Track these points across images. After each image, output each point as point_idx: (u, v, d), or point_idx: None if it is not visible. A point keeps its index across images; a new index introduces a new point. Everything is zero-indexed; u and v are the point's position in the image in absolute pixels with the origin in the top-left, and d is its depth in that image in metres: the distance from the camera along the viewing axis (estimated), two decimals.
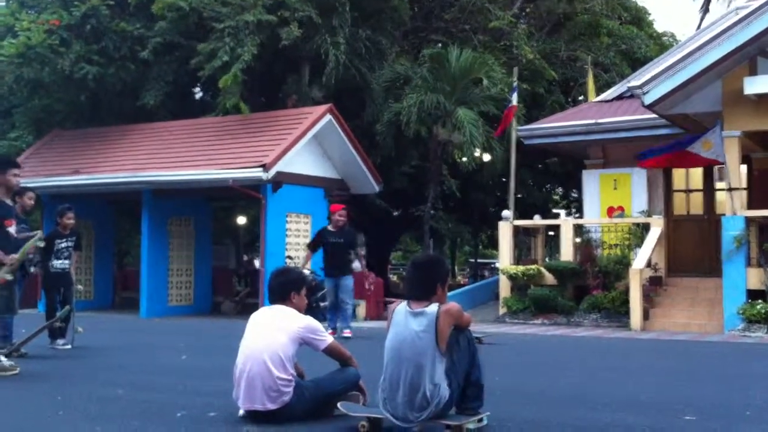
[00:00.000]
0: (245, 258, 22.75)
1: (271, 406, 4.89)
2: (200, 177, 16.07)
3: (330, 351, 5.18)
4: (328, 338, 5.17)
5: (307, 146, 16.67)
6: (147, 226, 17.35)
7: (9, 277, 7.12)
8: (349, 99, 19.74)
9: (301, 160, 16.63)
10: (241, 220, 21.96)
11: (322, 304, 13.43)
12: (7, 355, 7.31)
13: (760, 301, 12.70)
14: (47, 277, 9.80)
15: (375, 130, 19.18)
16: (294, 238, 16.66)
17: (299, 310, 5.23)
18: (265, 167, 15.34)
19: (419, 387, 4.54)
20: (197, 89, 22.06)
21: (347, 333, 11.24)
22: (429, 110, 18.62)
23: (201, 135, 17.76)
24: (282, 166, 15.84)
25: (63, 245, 9.73)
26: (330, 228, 11.77)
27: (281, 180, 16.00)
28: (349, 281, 11.54)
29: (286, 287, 5.25)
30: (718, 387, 7.17)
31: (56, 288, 9.74)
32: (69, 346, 9.36)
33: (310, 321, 5.17)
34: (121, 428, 4.80)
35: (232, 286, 19.22)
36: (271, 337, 4.99)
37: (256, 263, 18.89)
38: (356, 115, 19.58)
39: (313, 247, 12.17)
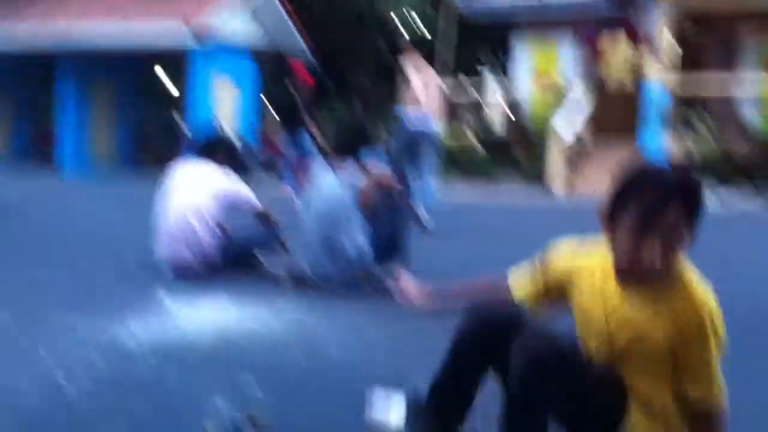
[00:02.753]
0: (171, 119, 22.14)
1: (193, 261, 4.92)
2: (123, 37, 15.39)
3: (258, 215, 5.20)
4: (257, 204, 5.18)
5: (236, 10, 16.06)
6: (66, 87, 16.64)
7: None
8: None
9: (230, 24, 16.04)
10: (164, 77, 21.18)
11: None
12: None
13: None
14: None
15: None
16: (222, 102, 16.27)
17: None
18: (191, 27, 14.76)
19: (338, 244, 4.63)
20: None
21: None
22: None
23: None
24: (209, 27, 15.25)
25: None
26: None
27: (207, 40, 15.44)
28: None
29: (216, 145, 5.21)
30: None
31: None
32: None
33: (235, 183, 5.15)
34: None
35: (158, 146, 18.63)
36: (195, 193, 4.96)
37: (180, 124, 18.36)
38: None
39: None
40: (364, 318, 4.02)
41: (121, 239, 6.62)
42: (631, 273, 1.93)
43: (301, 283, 4.75)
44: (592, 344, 2.04)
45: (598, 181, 14.05)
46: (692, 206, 1.87)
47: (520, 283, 2.27)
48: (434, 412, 2.21)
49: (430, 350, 2.39)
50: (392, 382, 2.65)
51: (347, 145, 4.81)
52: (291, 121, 11.34)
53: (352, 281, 4.67)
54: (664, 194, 1.85)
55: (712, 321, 1.89)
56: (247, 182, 5.34)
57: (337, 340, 3.59)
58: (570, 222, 10.18)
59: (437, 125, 8.28)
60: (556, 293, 2.18)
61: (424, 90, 8.02)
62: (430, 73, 8.27)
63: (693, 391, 1.93)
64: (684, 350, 1.91)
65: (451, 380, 2.19)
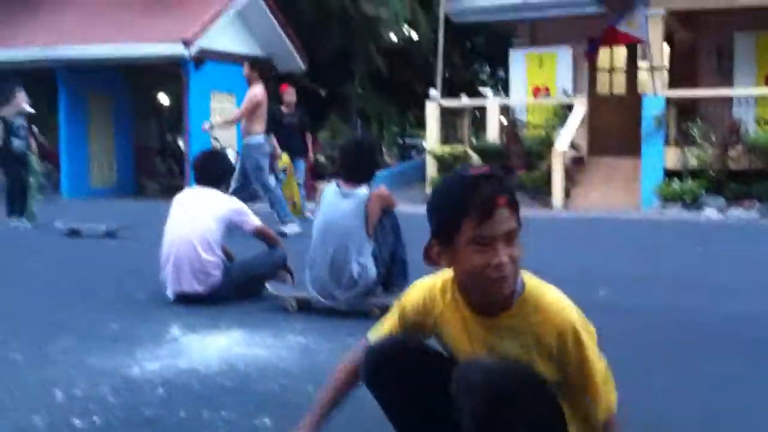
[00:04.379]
0: (169, 138, 22.23)
1: (199, 289, 4.91)
2: (118, 54, 15.43)
3: (257, 232, 5.18)
4: (255, 220, 5.17)
5: (230, 21, 16.12)
6: (64, 103, 16.66)
7: None
8: None
9: (225, 36, 16.10)
10: (164, 98, 21.33)
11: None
12: None
13: (676, 180, 13.14)
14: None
15: (297, 2, 18.56)
16: (219, 118, 16.29)
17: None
18: (186, 42, 14.82)
19: (346, 267, 4.61)
20: None
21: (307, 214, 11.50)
22: None
23: (119, 8, 16.89)
24: (205, 42, 15.32)
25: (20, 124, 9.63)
26: (283, 108, 11.62)
27: (204, 56, 15.51)
28: (302, 164, 11.67)
29: (217, 172, 5.20)
30: (633, 262, 7.49)
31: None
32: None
33: (236, 203, 5.15)
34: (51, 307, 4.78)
35: (155, 167, 18.82)
36: (198, 219, 4.95)
37: (180, 143, 18.46)
38: None
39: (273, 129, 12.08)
40: None
41: (125, 267, 6.61)
42: (488, 293, 1.84)
43: (307, 307, 4.74)
44: None
45: (598, 193, 14.16)
46: (515, 203, 1.82)
47: (377, 334, 2.17)
48: None
49: None
50: None
51: (357, 167, 4.79)
52: (288, 141, 11.41)
53: (359, 303, 4.66)
54: (490, 198, 1.78)
55: (574, 326, 1.82)
56: (245, 200, 5.34)
57: None
58: (569, 233, 10.30)
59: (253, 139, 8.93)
60: (420, 336, 2.08)
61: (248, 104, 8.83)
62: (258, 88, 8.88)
63: (596, 414, 1.87)
64: (564, 369, 1.84)
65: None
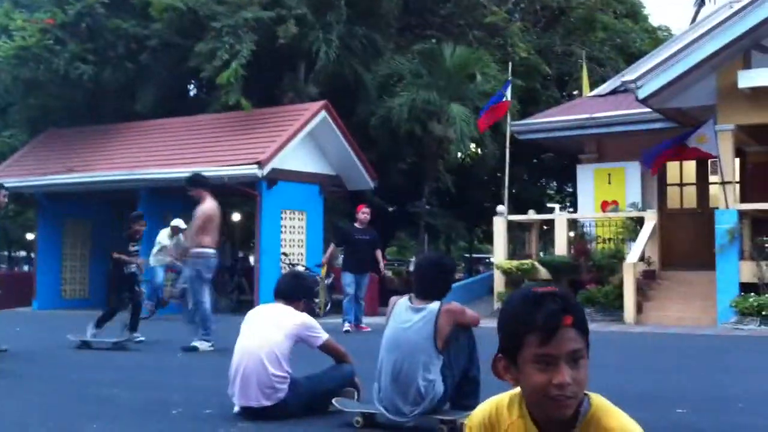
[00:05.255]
0: (240, 255, 22.76)
1: (266, 403, 4.94)
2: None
3: (326, 347, 5.23)
4: (323, 335, 5.23)
5: (302, 143, 16.71)
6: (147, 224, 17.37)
7: None
8: (344, 96, 19.78)
9: (296, 157, 16.67)
10: (236, 216, 21.99)
11: (317, 300, 13.77)
12: None
13: (752, 294, 12.77)
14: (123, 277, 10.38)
15: (370, 126, 19.22)
16: (289, 235, 16.69)
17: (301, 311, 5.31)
18: (260, 164, 15.40)
19: (414, 382, 4.58)
20: (192, 86, 22.06)
21: (364, 327, 11.94)
22: (422, 106, 18.67)
23: (197, 133, 17.79)
24: (277, 162, 15.88)
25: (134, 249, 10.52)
26: (356, 225, 12.33)
27: (276, 177, 16.04)
28: (367, 279, 12.29)
29: (297, 291, 5.34)
30: (711, 380, 7.24)
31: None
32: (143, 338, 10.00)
33: (306, 318, 5.23)
34: (121, 426, 4.85)
35: (227, 283, 19.21)
36: (268, 334, 5.04)
37: (251, 260, 18.88)
38: (351, 111, 19.61)
39: (338, 242, 12.81)
40: None
41: (190, 384, 6.68)
42: (549, 413, 1.82)
43: (373, 423, 4.71)
44: None
45: (670, 307, 13.84)
46: (582, 324, 1.81)
47: None
48: None
49: None
50: None
51: (432, 284, 4.84)
52: (358, 256, 11.84)
53: (426, 420, 4.61)
54: (554, 317, 1.77)
55: None
56: (310, 313, 5.41)
57: None
58: (642, 349, 10.04)
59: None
60: None
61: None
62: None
63: None
64: None
65: None
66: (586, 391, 1.86)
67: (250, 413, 4.95)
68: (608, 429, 1.82)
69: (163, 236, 14.80)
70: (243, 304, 16.14)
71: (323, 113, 16.76)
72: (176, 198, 17.69)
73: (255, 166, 15.40)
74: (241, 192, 16.48)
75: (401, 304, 4.81)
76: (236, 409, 5.04)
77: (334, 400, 5.00)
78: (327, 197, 18.03)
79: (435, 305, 4.68)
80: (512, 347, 1.84)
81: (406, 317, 4.72)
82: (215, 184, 9.67)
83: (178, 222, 14.44)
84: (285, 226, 16.61)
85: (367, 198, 20.52)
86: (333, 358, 5.32)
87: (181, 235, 13.55)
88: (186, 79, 20.36)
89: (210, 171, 15.77)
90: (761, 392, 6.36)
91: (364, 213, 12.27)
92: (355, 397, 5.25)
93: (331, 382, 5.20)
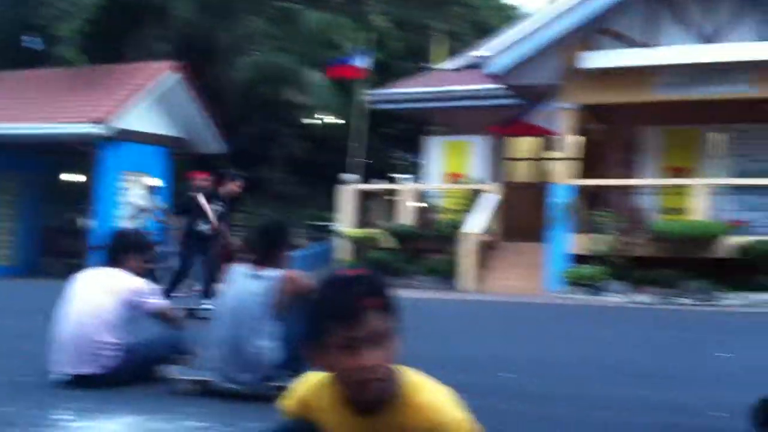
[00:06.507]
0: (76, 217, 21.68)
1: (90, 371, 4.73)
2: (30, 132, 15.16)
3: (158, 313, 5.07)
4: (156, 300, 5.05)
5: (149, 103, 16.10)
6: None
7: None
8: (197, 56, 19.16)
9: (143, 117, 16.05)
10: (78, 177, 20.92)
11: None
12: None
13: (582, 265, 13.49)
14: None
15: (222, 89, 18.74)
16: (133, 198, 16.07)
17: (136, 274, 5.06)
18: (98, 122, 14.69)
19: (251, 349, 4.53)
20: (28, 38, 20.69)
21: None
22: (278, 71, 18.40)
23: (33, 87, 16.74)
24: (121, 122, 15.22)
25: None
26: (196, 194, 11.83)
27: (119, 136, 15.37)
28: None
29: (125, 248, 5.08)
30: (539, 345, 7.59)
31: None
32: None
33: (137, 282, 5.02)
34: None
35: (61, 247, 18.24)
36: (95, 299, 4.81)
37: (84, 222, 17.98)
38: (204, 72, 19.05)
39: (178, 211, 12.09)
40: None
41: (12, 349, 6.34)
42: (356, 395, 1.84)
43: (206, 391, 4.61)
44: None
45: (508, 277, 14.40)
46: (388, 306, 1.82)
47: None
48: None
49: None
50: None
51: (266, 248, 4.76)
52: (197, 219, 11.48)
53: (261, 387, 4.57)
54: (358, 300, 1.78)
55: (448, 427, 1.80)
56: (152, 280, 5.22)
57: None
58: (476, 317, 10.39)
59: None
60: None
61: None
62: None
63: None
64: None
65: None
66: (401, 368, 1.87)
67: (74, 381, 4.71)
68: (418, 405, 1.84)
69: (138, 197, 13.63)
70: (76, 269, 15.42)
71: (173, 73, 16.17)
72: (5, 154, 16.62)
73: (95, 124, 14.68)
74: (82, 151, 15.68)
75: (239, 270, 4.73)
76: (57, 375, 4.78)
77: (167, 367, 4.85)
78: (175, 160, 17.49)
79: (274, 272, 4.63)
80: (319, 330, 1.82)
81: (245, 284, 4.65)
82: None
83: (150, 180, 13.53)
84: (128, 188, 15.95)
85: (218, 162, 20.07)
86: (167, 324, 5.16)
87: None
88: (20, 28, 19.06)
89: (44, 128, 14.97)
90: (586, 357, 6.72)
91: (204, 181, 11.94)
92: (190, 364, 5.12)
93: (164, 348, 5.04)
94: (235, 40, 19.33)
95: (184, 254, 10.18)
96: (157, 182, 13.09)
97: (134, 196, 13.83)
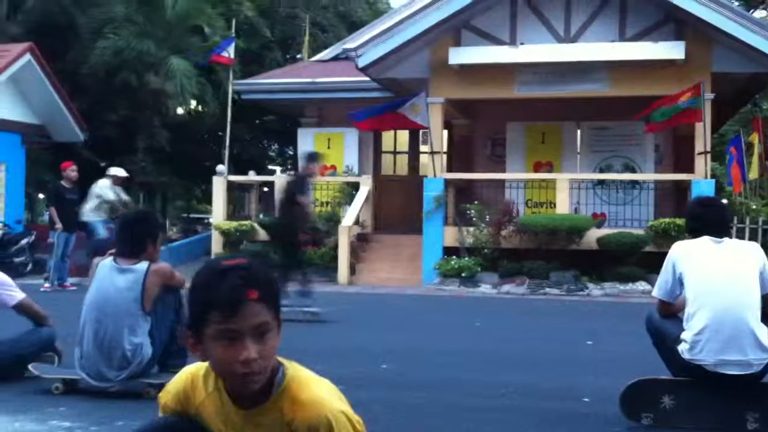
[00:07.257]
0: None
1: None
2: None
3: (21, 307, 4.81)
4: (18, 294, 4.78)
5: (2, 88, 15.14)
6: None
7: None
8: (54, 39, 18.22)
9: None
10: None
11: (16, 259, 13.05)
12: None
13: (454, 257, 13.79)
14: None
15: (81, 74, 17.92)
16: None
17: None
18: None
19: (119, 346, 4.38)
20: None
21: (68, 286, 11.67)
22: (138, 56, 17.77)
23: None
24: None
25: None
26: (64, 183, 12.06)
27: None
28: (74, 239, 12.09)
29: None
30: (414, 336, 7.68)
31: None
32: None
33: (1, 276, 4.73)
34: None
35: None
36: None
37: None
38: (61, 56, 18.15)
39: (50, 202, 12.53)
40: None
41: None
42: (236, 388, 1.80)
43: (74, 389, 4.40)
44: None
45: (385, 269, 14.53)
46: (270, 297, 1.77)
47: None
48: None
49: None
50: None
51: (132, 240, 4.58)
52: (69, 216, 11.43)
53: (132, 384, 4.39)
54: (237, 291, 1.73)
55: (329, 421, 1.75)
56: (9, 273, 4.93)
57: None
58: (352, 309, 10.42)
59: None
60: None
61: None
62: None
63: None
64: None
65: None
66: (284, 361, 1.83)
67: None
68: (300, 400, 1.79)
69: (103, 188, 12.33)
70: None
71: (28, 56, 15.27)
72: None
73: None
74: None
75: (105, 264, 4.55)
76: None
77: (31, 366, 4.60)
78: (30, 148, 16.58)
79: (142, 266, 4.48)
80: (198, 322, 1.75)
81: (111, 278, 4.47)
82: None
83: (117, 171, 12.48)
84: None
85: (77, 151, 19.19)
86: (30, 320, 4.88)
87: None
88: None
89: None
90: (459, 348, 6.86)
91: (72, 171, 12.04)
92: (56, 362, 4.87)
93: (28, 346, 4.78)
94: (92, 22, 18.48)
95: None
96: (121, 172, 12.51)
97: (100, 187, 12.49)
